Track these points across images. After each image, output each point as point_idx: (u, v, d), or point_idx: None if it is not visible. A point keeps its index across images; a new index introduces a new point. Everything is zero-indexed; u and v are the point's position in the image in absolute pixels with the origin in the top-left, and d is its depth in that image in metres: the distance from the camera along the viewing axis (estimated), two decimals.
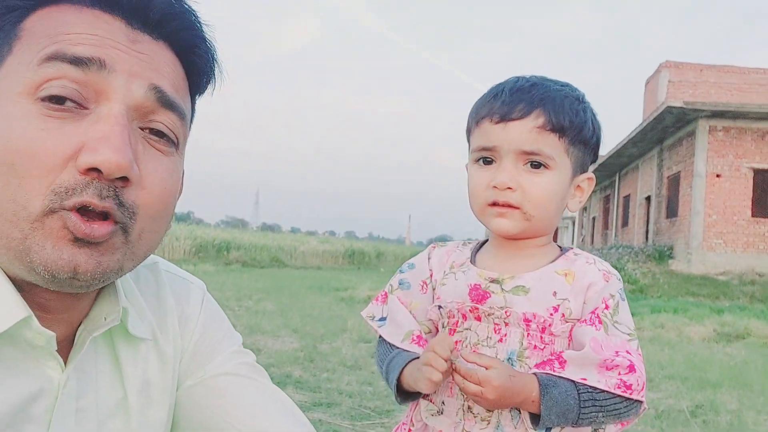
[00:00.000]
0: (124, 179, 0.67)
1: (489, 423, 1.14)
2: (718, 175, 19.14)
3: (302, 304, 10.94)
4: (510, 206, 1.16)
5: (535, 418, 1.11)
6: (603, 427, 1.12)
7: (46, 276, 0.65)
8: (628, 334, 1.14)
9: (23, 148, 0.63)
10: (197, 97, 0.82)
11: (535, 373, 1.11)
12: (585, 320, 1.14)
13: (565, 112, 1.15)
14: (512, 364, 1.14)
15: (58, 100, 0.65)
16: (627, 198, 27.97)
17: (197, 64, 0.78)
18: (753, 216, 18.99)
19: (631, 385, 1.09)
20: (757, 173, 19.08)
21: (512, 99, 1.16)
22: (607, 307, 1.15)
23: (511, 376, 1.08)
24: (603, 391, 1.08)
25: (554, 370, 1.11)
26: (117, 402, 0.80)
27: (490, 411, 1.14)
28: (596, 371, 1.10)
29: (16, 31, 0.69)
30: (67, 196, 0.64)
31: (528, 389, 1.08)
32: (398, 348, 1.25)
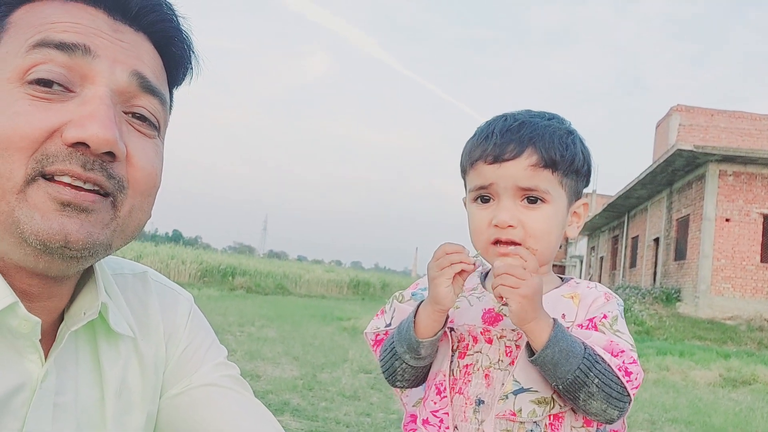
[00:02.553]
0: (111, 155, 0.69)
1: None
2: (727, 220, 19.06)
3: (304, 333, 10.89)
4: (513, 243, 1.18)
5: (531, 353, 1.12)
6: (590, 399, 1.10)
7: (38, 246, 0.66)
8: (631, 345, 1.15)
9: (9, 124, 0.66)
10: (175, 87, 0.86)
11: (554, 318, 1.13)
12: (580, 325, 1.17)
13: (555, 148, 1.18)
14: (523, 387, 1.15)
15: (45, 83, 0.68)
16: (635, 239, 27.85)
17: (174, 55, 0.82)
18: (762, 261, 18.85)
19: (631, 373, 1.10)
20: (767, 219, 18.99)
21: (503, 140, 1.19)
22: (605, 317, 1.18)
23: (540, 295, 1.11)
24: (605, 362, 1.09)
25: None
26: (95, 402, 0.80)
27: (502, 400, 1.14)
28: (602, 351, 1.12)
29: (3, 24, 0.72)
30: (48, 163, 0.66)
31: (547, 315, 1.11)
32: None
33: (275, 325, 11.65)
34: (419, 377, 1.27)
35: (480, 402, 1.17)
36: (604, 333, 1.15)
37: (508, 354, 1.18)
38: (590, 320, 1.18)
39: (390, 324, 1.31)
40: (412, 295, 1.33)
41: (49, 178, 0.66)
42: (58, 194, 0.66)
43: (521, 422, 1.14)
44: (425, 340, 1.18)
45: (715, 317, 18.26)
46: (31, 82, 0.68)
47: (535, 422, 1.14)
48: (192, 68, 0.84)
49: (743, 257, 18.85)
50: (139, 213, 0.75)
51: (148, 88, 0.75)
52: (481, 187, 1.21)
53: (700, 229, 19.33)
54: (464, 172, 1.28)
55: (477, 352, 1.20)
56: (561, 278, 1.29)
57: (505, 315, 1.17)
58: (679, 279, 20.88)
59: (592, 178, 1.33)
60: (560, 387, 1.10)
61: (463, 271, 1.14)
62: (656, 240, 24.43)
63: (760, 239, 18.89)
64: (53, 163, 0.66)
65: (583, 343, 1.11)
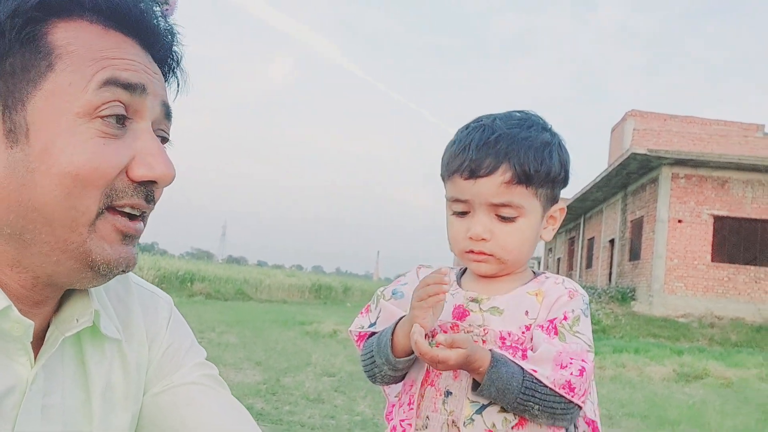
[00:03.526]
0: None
1: None
2: (679, 221, 19.61)
3: (266, 338, 10.83)
4: (483, 254, 1.23)
5: (477, 388, 1.15)
6: (537, 421, 1.15)
7: (104, 271, 0.74)
8: (588, 345, 1.19)
9: (88, 163, 0.70)
10: None
11: (491, 350, 1.16)
12: (541, 326, 1.20)
13: (530, 163, 1.20)
14: None
15: (118, 119, 0.73)
16: (591, 240, 28.43)
17: (173, 80, 0.87)
18: (713, 261, 19.44)
19: (575, 387, 1.14)
20: (717, 220, 19.61)
21: (479, 155, 1.20)
22: (565, 318, 1.20)
23: (475, 345, 1.15)
24: (546, 386, 1.13)
25: (512, 356, 1.16)
26: (81, 403, 0.81)
27: (469, 424, 1.17)
28: (550, 366, 1.14)
29: (46, 45, 0.71)
30: (117, 198, 0.73)
31: (483, 359, 1.13)
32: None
33: (236, 330, 11.54)
34: (399, 378, 1.30)
35: (448, 393, 1.21)
36: (563, 336, 1.18)
37: None
38: (551, 321, 1.20)
39: (374, 323, 1.33)
40: (392, 293, 1.35)
41: (109, 208, 0.74)
42: (123, 227, 0.75)
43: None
44: (401, 359, 1.22)
45: (669, 315, 18.76)
46: (103, 118, 0.72)
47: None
48: (179, 85, 0.89)
49: (695, 257, 19.41)
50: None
51: (169, 115, 0.82)
52: (458, 200, 1.25)
53: (653, 230, 19.85)
54: (443, 179, 1.31)
55: None
56: (534, 273, 1.33)
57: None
58: (634, 279, 21.38)
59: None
60: (507, 410, 1.16)
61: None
62: (611, 241, 24.97)
63: (711, 239, 19.49)
64: (122, 198, 0.74)
65: (523, 371, 1.14)
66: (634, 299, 20.35)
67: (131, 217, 0.76)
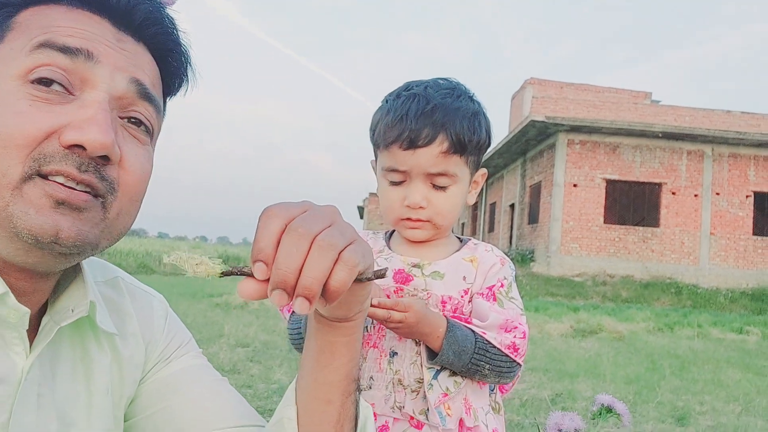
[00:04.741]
0: (105, 158, 0.71)
1: (418, 393, 1.24)
2: (575, 185, 20.62)
3: (175, 310, 10.52)
4: (420, 221, 1.29)
5: (431, 355, 1.24)
6: (485, 380, 1.27)
7: (30, 240, 0.67)
8: (521, 309, 1.31)
9: (10, 121, 0.67)
10: (168, 98, 0.88)
11: (445, 315, 1.24)
12: (482, 294, 1.30)
13: (464, 132, 1.26)
14: None
15: (46, 83, 0.70)
16: (493, 205, 29.41)
17: (171, 67, 0.84)
18: (605, 222, 20.62)
19: (518, 348, 1.26)
20: (609, 183, 20.76)
21: (417, 126, 1.24)
22: (502, 285, 1.31)
23: (428, 311, 1.21)
24: (495, 346, 1.23)
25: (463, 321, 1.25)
26: (77, 393, 0.81)
27: (419, 382, 1.24)
28: (496, 331, 1.25)
29: (8, 24, 0.73)
30: (45, 162, 0.68)
31: (437, 323, 1.21)
32: None
33: None
34: None
35: (393, 354, 1.27)
36: (501, 302, 1.28)
37: None
38: (489, 288, 1.30)
39: None
40: None
41: (44, 177, 0.68)
42: (53, 192, 0.68)
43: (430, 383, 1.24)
44: None
45: (565, 275, 19.82)
46: (32, 82, 0.69)
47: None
48: (188, 80, 0.87)
49: (589, 219, 20.51)
50: (126, 216, 0.77)
51: (145, 95, 0.77)
52: (395, 170, 1.29)
53: (551, 195, 20.77)
54: (376, 146, 1.34)
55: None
56: (459, 239, 1.40)
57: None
58: (533, 241, 22.36)
59: None
60: (458, 372, 1.25)
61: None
62: (512, 206, 25.94)
63: (603, 202, 20.64)
64: (49, 163, 0.68)
65: (474, 334, 1.23)
66: (533, 260, 21.31)
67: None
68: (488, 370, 1.23)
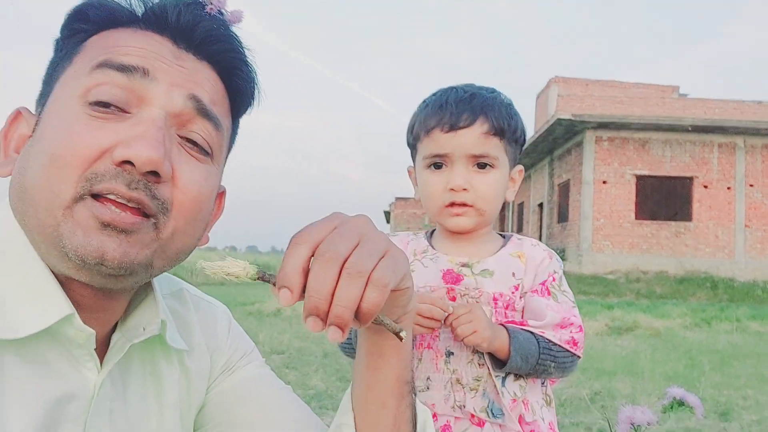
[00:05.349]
0: (156, 175, 0.69)
1: (477, 391, 1.26)
2: (604, 182, 20.40)
3: None
4: (465, 205, 1.30)
5: (498, 363, 1.24)
6: (551, 377, 1.29)
7: (77, 262, 0.67)
8: (572, 302, 1.32)
9: (65, 141, 0.68)
10: (239, 117, 0.87)
11: (503, 324, 1.25)
12: (536, 290, 1.31)
13: (503, 118, 1.30)
14: None
15: (104, 104, 0.71)
16: (521, 205, 29.22)
17: (239, 86, 0.83)
18: (636, 218, 20.36)
19: (577, 342, 1.27)
20: (639, 179, 20.50)
21: (458, 109, 1.28)
22: (554, 280, 1.33)
23: (488, 321, 1.23)
24: (556, 344, 1.25)
25: (518, 325, 1.26)
26: (147, 409, 0.82)
27: (477, 380, 1.26)
28: (552, 329, 1.26)
29: (78, 49, 0.76)
30: (96, 182, 0.67)
31: (502, 334, 1.22)
32: None
33: None
34: None
35: (450, 353, 1.28)
36: (555, 297, 1.29)
37: None
38: (542, 284, 1.31)
39: None
40: None
41: (96, 196, 0.68)
42: (100, 214, 0.67)
43: (488, 373, 1.26)
44: None
45: (598, 273, 19.59)
46: (91, 103, 0.70)
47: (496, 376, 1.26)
48: (255, 100, 0.86)
49: (620, 216, 20.27)
50: (183, 236, 0.75)
51: (203, 112, 0.76)
52: (437, 155, 1.31)
53: (580, 192, 20.58)
54: (416, 140, 1.36)
55: None
56: (502, 236, 1.41)
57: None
58: (563, 240, 22.16)
59: None
60: (525, 374, 1.26)
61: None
62: (540, 205, 25.75)
63: (634, 198, 20.38)
64: (101, 181, 0.67)
65: (536, 338, 1.24)
66: (564, 259, 21.10)
67: (120, 208, 0.68)
68: (553, 368, 1.25)
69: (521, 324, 1.27)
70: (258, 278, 0.66)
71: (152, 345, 0.84)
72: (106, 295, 0.75)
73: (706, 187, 20.43)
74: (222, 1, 0.79)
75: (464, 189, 1.29)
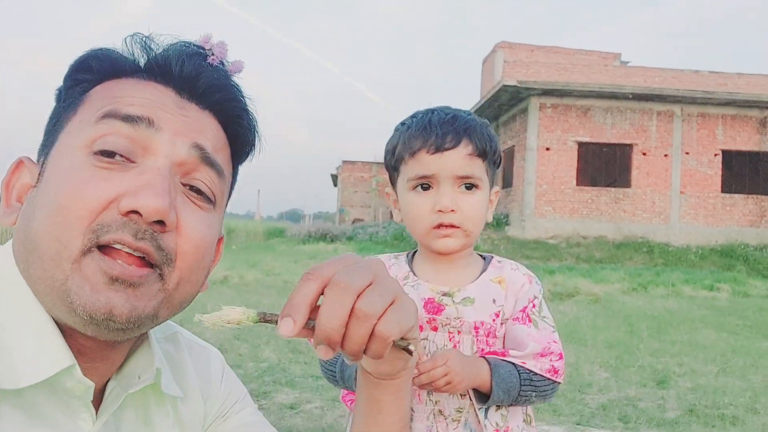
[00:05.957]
0: (162, 224, 0.70)
1: (459, 422, 1.27)
2: (547, 149, 20.78)
3: None
4: (453, 226, 1.30)
5: (480, 397, 1.27)
6: (532, 404, 1.31)
7: (85, 317, 0.67)
8: (552, 326, 1.34)
9: (72, 192, 0.68)
10: (239, 164, 0.88)
11: (483, 357, 1.27)
12: (517, 318, 1.32)
13: (485, 139, 1.31)
14: None
15: (108, 154, 0.71)
16: None
17: (240, 134, 0.83)
18: (578, 185, 20.88)
19: (558, 370, 1.30)
20: (581, 146, 20.96)
21: (443, 131, 1.29)
22: (534, 306, 1.34)
23: (466, 358, 1.23)
24: (537, 373, 1.27)
25: (499, 355, 1.28)
26: None
27: (459, 411, 1.27)
28: (532, 359, 1.28)
29: (82, 98, 0.75)
30: (103, 232, 0.67)
31: (483, 369, 1.24)
32: None
33: None
34: None
35: None
36: (536, 323, 1.31)
37: (451, 339, 1.30)
38: (523, 310, 1.32)
39: None
40: None
41: (102, 247, 0.68)
42: (108, 269, 0.67)
43: (470, 403, 1.27)
44: None
45: (540, 237, 20.09)
46: (96, 153, 0.70)
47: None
48: (255, 148, 0.87)
49: (562, 182, 20.74)
50: (187, 285, 0.75)
51: (207, 160, 0.77)
52: (423, 176, 1.30)
53: (524, 159, 20.93)
54: (399, 162, 1.35)
55: (424, 339, 1.31)
56: (482, 257, 1.41)
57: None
58: (507, 205, 22.58)
59: None
60: (507, 405, 1.29)
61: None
62: None
63: (576, 165, 20.86)
64: (107, 232, 0.67)
65: (517, 369, 1.26)
66: (507, 224, 21.55)
67: (125, 261, 0.68)
68: (535, 396, 1.27)
69: (502, 354, 1.29)
70: (260, 320, 0.65)
71: (146, 392, 0.83)
72: (108, 345, 0.75)
73: (644, 154, 21.05)
74: (223, 52, 0.80)
75: (452, 210, 1.29)
